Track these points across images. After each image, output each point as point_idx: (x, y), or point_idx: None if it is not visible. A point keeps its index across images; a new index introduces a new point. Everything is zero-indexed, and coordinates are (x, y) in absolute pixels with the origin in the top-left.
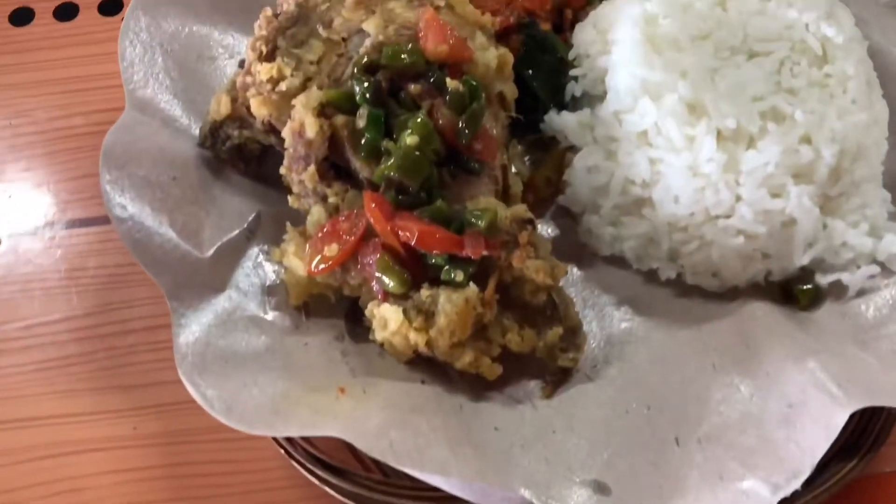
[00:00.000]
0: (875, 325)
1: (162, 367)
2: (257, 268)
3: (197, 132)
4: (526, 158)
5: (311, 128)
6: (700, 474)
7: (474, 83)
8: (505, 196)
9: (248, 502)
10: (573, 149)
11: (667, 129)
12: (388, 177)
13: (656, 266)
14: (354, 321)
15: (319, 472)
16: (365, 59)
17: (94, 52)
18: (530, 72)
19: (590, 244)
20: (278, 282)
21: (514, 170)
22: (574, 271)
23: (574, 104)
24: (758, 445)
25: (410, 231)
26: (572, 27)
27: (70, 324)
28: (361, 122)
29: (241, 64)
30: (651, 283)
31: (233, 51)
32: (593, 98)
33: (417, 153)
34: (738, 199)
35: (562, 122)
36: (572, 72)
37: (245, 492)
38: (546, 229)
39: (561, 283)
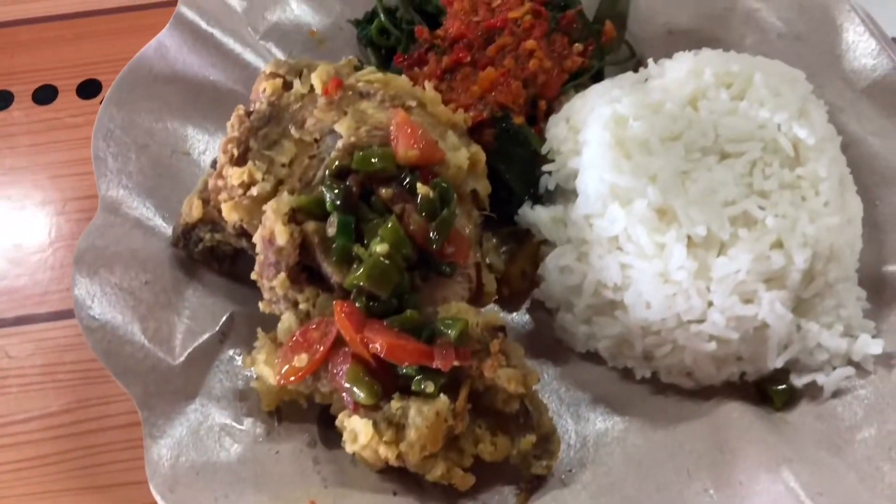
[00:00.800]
0: (850, 429)
1: (139, 465)
2: (230, 371)
3: (170, 230)
4: (502, 250)
5: (281, 236)
6: None
7: (445, 186)
8: (479, 293)
9: None
10: (547, 242)
11: (636, 235)
12: (358, 286)
13: (631, 365)
14: (327, 426)
15: None
16: (336, 164)
17: (72, 136)
18: (504, 165)
19: (565, 340)
20: (251, 385)
21: (488, 261)
22: (550, 367)
23: (548, 196)
24: None
25: (380, 343)
26: (546, 117)
27: (46, 421)
28: (332, 230)
29: (214, 164)
30: (627, 380)
31: (207, 145)
32: (567, 192)
33: (387, 262)
34: (710, 304)
35: (535, 216)
36: (545, 167)
37: None
38: (522, 322)
39: (535, 387)
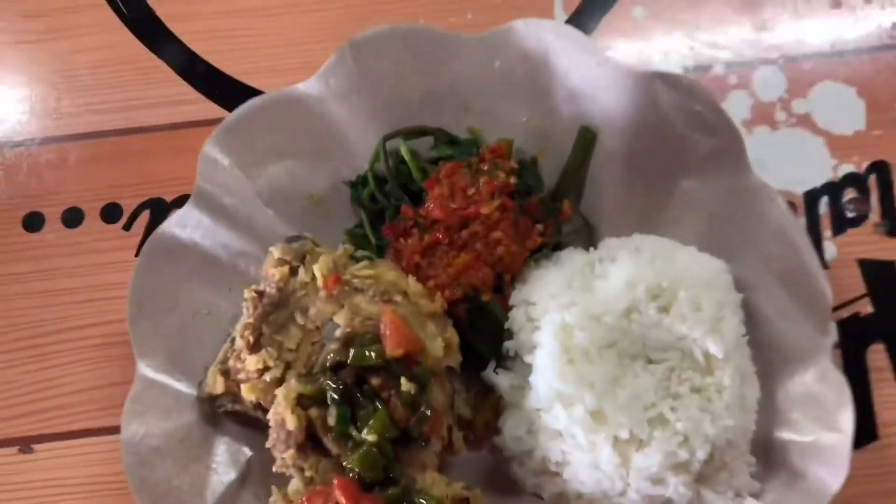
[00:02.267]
0: None
1: None
2: None
3: (195, 388)
4: (471, 395)
5: (290, 422)
6: None
7: (423, 374)
8: (450, 448)
9: None
10: None
11: (575, 433)
12: (352, 469)
13: None
14: None
15: None
16: (333, 358)
17: (100, 260)
18: (474, 335)
19: (518, 482)
20: None
21: (458, 412)
22: (503, 501)
23: (511, 359)
24: None
25: None
26: (511, 283)
27: None
28: (331, 419)
29: (232, 341)
30: None
31: (225, 303)
32: (525, 363)
33: (375, 450)
34: (629, 486)
35: (497, 380)
36: (506, 343)
37: None
38: (484, 460)
39: None
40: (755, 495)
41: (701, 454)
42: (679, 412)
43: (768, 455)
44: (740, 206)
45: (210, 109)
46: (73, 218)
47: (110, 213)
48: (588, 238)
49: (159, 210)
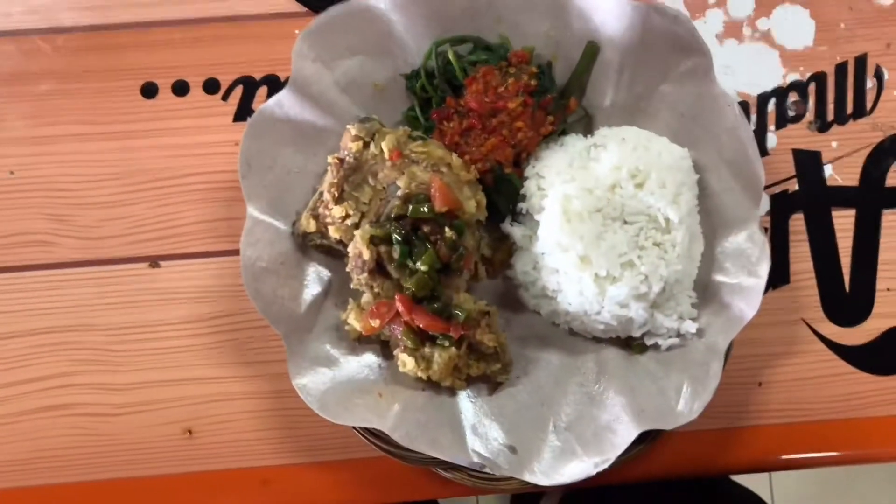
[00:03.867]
0: (666, 368)
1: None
2: (329, 316)
3: (289, 227)
4: (492, 241)
5: (366, 255)
6: (561, 448)
7: (460, 225)
8: (475, 276)
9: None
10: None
11: (568, 270)
12: (409, 289)
13: (557, 322)
14: (387, 348)
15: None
16: (396, 211)
17: (203, 124)
18: (497, 196)
19: (522, 300)
20: (345, 327)
21: (481, 252)
22: (511, 314)
23: (523, 216)
24: (592, 438)
25: (421, 320)
26: (526, 159)
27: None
28: (395, 254)
29: (320, 194)
30: (554, 327)
31: (311, 165)
32: (533, 220)
33: (426, 276)
34: (603, 307)
35: (511, 230)
36: (520, 204)
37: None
38: (498, 285)
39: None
40: (693, 318)
41: (656, 288)
42: (643, 259)
43: (705, 291)
44: (704, 108)
45: (292, 4)
46: (180, 88)
47: (211, 86)
48: (587, 126)
49: (250, 86)
